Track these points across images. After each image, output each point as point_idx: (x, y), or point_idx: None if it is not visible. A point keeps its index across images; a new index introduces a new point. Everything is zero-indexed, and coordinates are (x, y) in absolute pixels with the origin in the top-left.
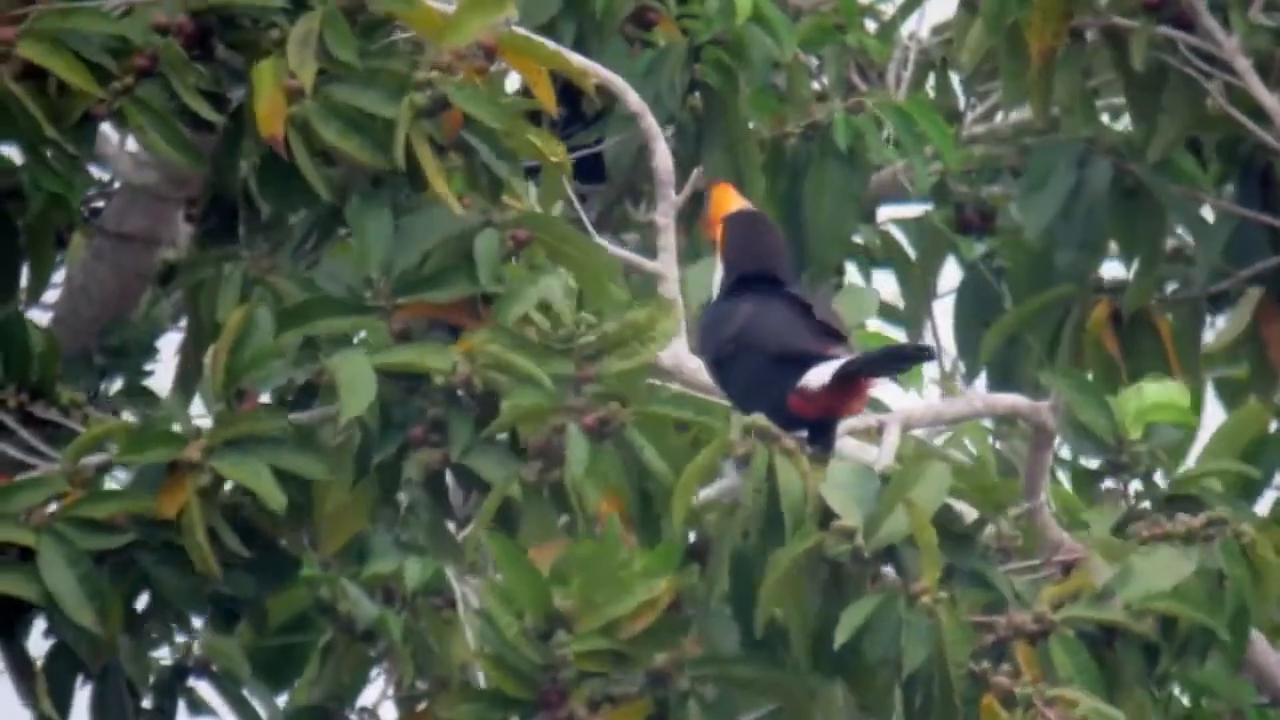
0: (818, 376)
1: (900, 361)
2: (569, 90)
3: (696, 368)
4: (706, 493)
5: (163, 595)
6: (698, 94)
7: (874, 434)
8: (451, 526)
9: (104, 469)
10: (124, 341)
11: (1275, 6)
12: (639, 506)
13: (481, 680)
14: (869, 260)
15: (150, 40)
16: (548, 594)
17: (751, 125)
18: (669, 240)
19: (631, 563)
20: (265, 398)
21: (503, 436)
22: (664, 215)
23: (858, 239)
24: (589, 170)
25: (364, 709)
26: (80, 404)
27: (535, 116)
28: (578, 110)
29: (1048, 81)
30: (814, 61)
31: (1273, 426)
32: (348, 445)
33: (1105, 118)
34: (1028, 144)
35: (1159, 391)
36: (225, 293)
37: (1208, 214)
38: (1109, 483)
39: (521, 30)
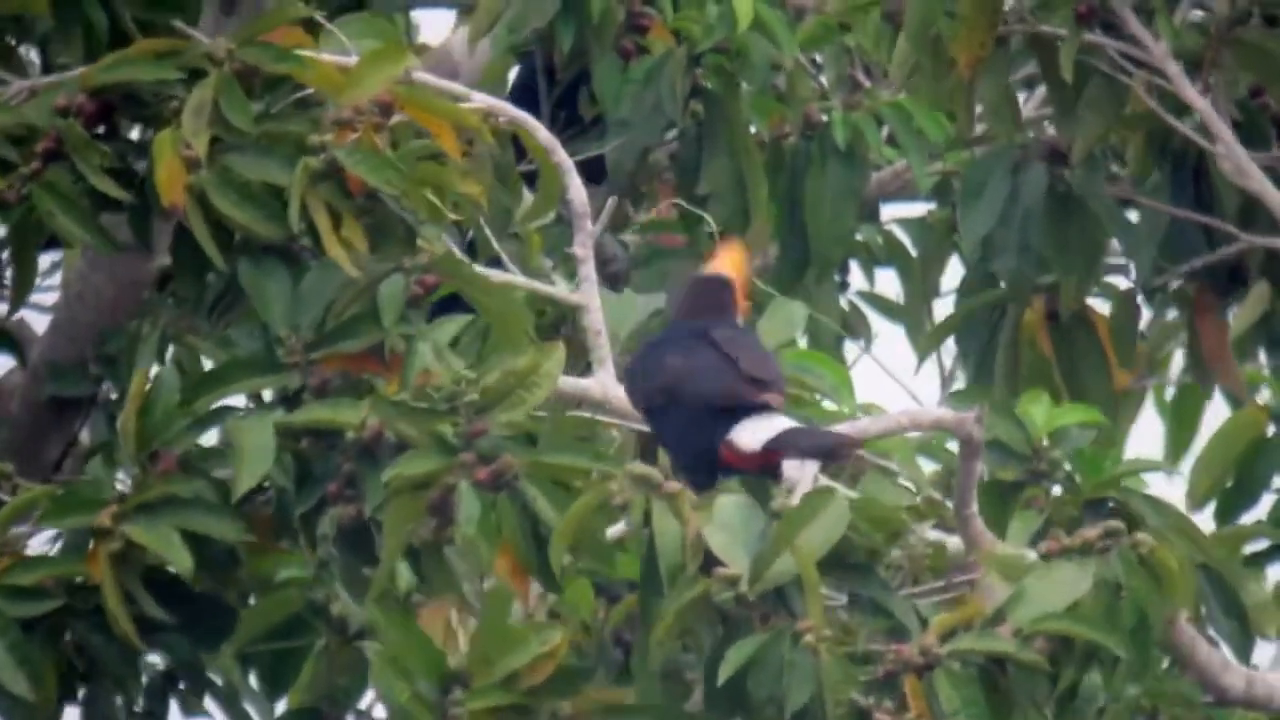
0: (749, 439)
1: (826, 454)
2: (569, 92)
3: (622, 395)
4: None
5: (95, 661)
6: (698, 100)
7: None
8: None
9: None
10: (120, 350)
11: (1203, 7)
12: (536, 556)
13: None
14: (871, 259)
15: (54, 123)
16: (439, 657)
17: (753, 129)
18: (589, 270)
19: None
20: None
21: None
22: (582, 246)
23: (860, 237)
24: (590, 172)
25: (360, 711)
26: (8, 474)
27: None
28: (576, 113)
29: (970, 91)
30: (817, 59)
31: (1270, 430)
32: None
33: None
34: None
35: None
36: (142, 351)
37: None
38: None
39: (424, 76)
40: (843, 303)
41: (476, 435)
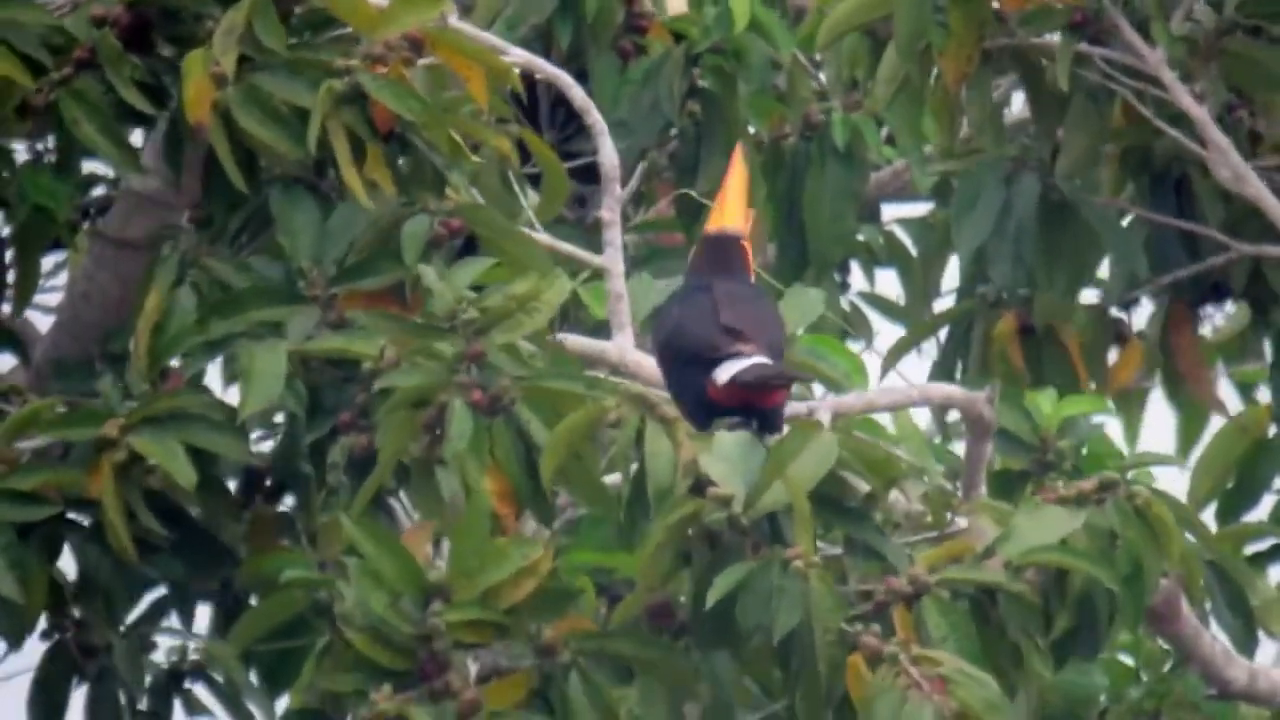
0: (722, 373)
1: (765, 385)
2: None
3: (640, 360)
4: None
5: (88, 574)
6: (696, 100)
7: None
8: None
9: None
10: (126, 348)
11: (1190, 19)
12: (528, 482)
13: None
14: (871, 259)
15: (89, 33)
16: (418, 570)
17: (751, 129)
18: (615, 235)
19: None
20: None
21: None
22: (609, 210)
23: (860, 237)
24: (589, 172)
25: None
26: (21, 390)
27: (534, 117)
28: (574, 115)
29: (955, 105)
30: (816, 58)
31: (1271, 431)
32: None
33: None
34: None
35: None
36: (161, 274)
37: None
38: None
39: (458, 22)
40: (844, 303)
41: (474, 356)
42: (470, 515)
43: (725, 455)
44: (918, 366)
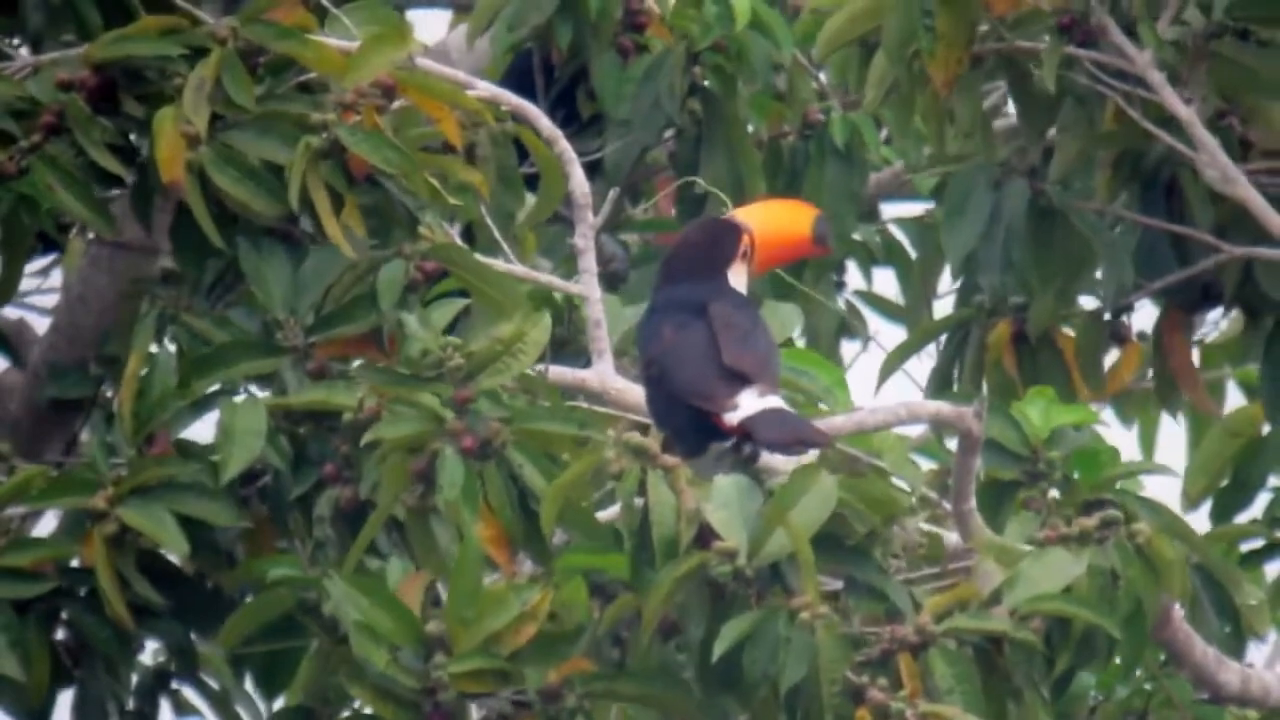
0: (733, 415)
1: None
2: (567, 92)
3: (623, 388)
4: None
5: (89, 643)
6: (697, 98)
7: None
8: None
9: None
10: (121, 351)
11: (1179, 21)
12: (523, 526)
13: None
14: (869, 259)
15: (56, 98)
16: (414, 622)
17: (751, 128)
18: (589, 262)
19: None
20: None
21: None
22: (582, 237)
23: (858, 237)
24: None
25: (355, 711)
26: (6, 455)
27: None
28: (574, 113)
29: (944, 109)
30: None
31: (1265, 430)
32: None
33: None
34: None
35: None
36: (139, 332)
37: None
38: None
39: (425, 63)
40: (840, 302)
41: (463, 402)
42: (462, 562)
43: (725, 502)
44: (918, 367)
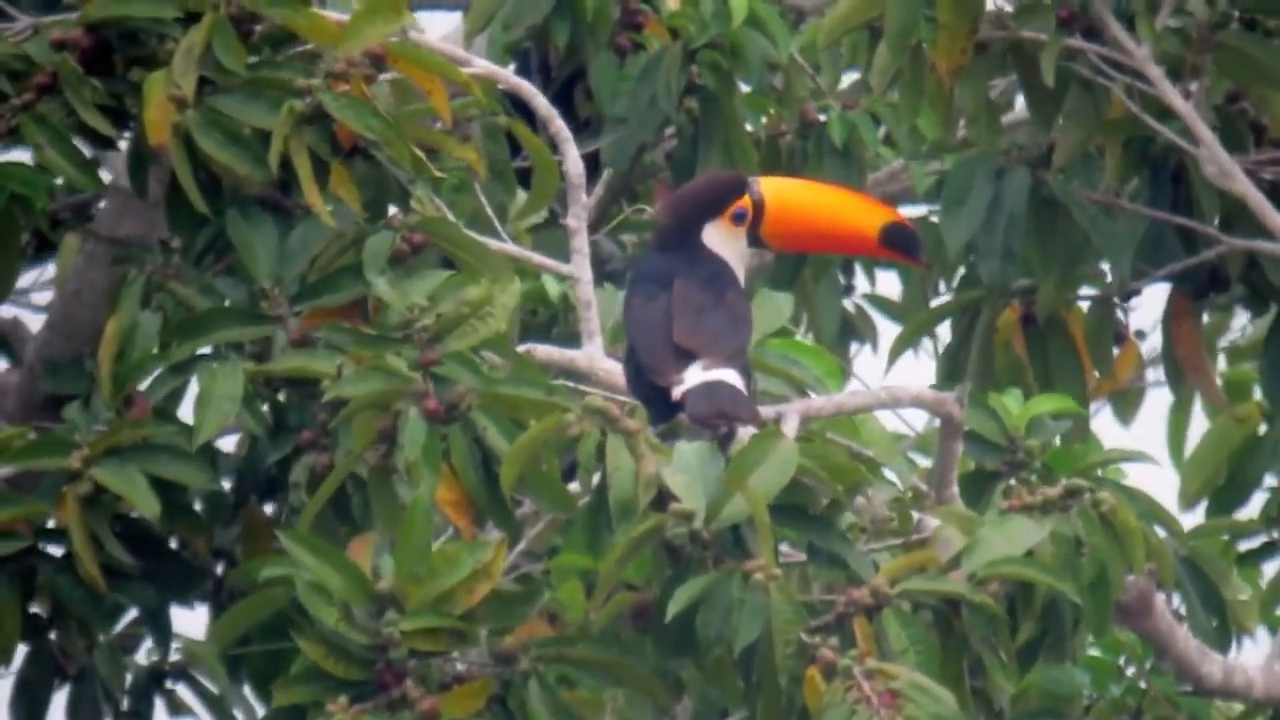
0: (677, 388)
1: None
2: (564, 93)
3: (610, 368)
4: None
5: (63, 604)
6: (694, 96)
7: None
8: None
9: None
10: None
11: (1183, 11)
12: (486, 489)
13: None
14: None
15: (50, 58)
16: (364, 579)
17: (749, 127)
18: (582, 243)
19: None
20: None
21: None
22: (575, 218)
23: None
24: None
25: None
26: None
27: (531, 119)
28: (571, 112)
29: (950, 97)
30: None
31: (1262, 428)
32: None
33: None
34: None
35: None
36: (126, 297)
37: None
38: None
39: (418, 36)
40: (847, 304)
41: (428, 364)
42: (412, 519)
43: (686, 466)
44: (918, 367)
